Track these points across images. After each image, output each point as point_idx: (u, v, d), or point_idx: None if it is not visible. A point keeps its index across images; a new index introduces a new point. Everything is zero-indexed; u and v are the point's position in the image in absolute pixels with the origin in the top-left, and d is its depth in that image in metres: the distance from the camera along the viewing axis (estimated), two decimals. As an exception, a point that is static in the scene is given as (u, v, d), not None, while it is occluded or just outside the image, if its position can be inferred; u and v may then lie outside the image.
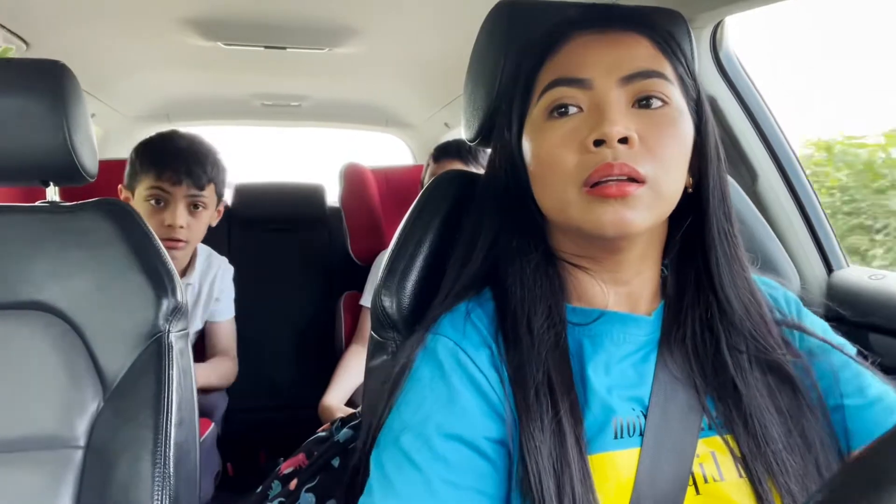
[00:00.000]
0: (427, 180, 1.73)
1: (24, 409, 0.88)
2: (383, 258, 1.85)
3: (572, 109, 0.60)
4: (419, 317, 0.69)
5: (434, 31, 1.60)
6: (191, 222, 1.51)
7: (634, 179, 0.57)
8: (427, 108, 2.40)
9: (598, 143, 0.57)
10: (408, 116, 2.60)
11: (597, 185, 0.57)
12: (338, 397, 1.63)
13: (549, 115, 0.61)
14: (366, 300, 1.80)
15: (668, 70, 0.61)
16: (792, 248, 1.17)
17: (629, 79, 0.59)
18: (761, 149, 1.20)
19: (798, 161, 1.22)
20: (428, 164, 1.76)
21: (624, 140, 0.56)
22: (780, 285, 0.73)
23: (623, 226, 0.57)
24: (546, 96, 0.61)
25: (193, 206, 1.51)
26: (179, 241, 1.49)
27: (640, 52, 0.61)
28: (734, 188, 0.95)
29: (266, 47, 1.70)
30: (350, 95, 2.37)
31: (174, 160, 1.47)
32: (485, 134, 0.79)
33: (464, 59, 0.83)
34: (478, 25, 0.80)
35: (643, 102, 0.59)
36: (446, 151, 1.71)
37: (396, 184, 2.14)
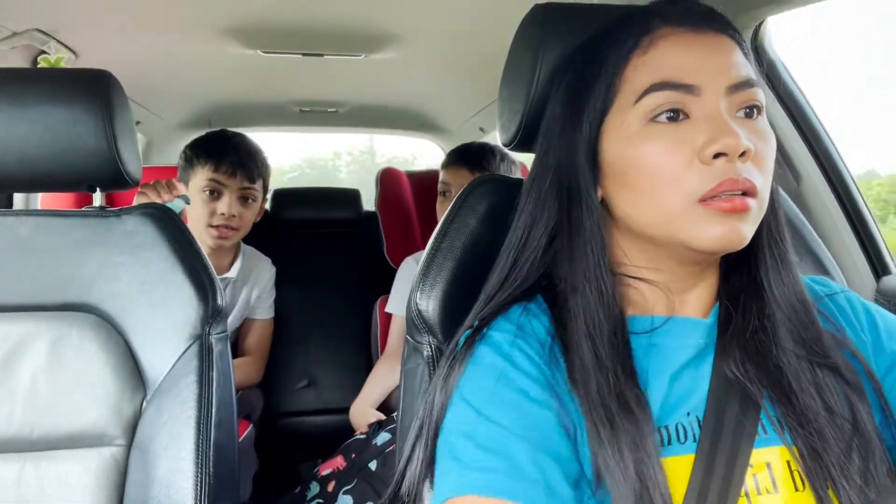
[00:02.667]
0: (439, 189, 1.74)
1: (72, 408, 0.90)
2: (407, 265, 1.86)
3: (682, 116, 0.57)
4: (453, 321, 0.69)
5: (469, 36, 1.60)
6: (242, 212, 1.63)
7: (748, 193, 0.55)
8: (462, 113, 2.41)
9: (717, 155, 0.55)
10: (443, 121, 2.61)
11: (713, 199, 0.55)
12: (368, 402, 1.64)
13: (651, 119, 0.58)
14: (391, 307, 1.80)
15: (756, 77, 0.60)
16: (838, 252, 1.14)
17: (736, 87, 0.57)
18: (805, 151, 1.17)
19: (844, 163, 1.18)
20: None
21: (742, 153, 0.55)
22: (838, 285, 0.71)
23: (736, 241, 0.56)
24: (648, 99, 0.57)
25: (244, 199, 1.64)
26: (231, 228, 1.60)
27: (739, 59, 0.59)
28: (779, 191, 0.93)
29: (304, 54, 1.73)
30: (386, 101, 2.39)
31: (230, 154, 1.61)
32: (521, 138, 0.78)
33: (499, 64, 0.83)
34: (513, 29, 0.80)
35: (748, 112, 0.58)
36: (453, 158, 1.71)
37: (432, 188, 2.15)
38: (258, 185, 1.67)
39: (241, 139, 1.69)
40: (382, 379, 1.68)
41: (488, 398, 0.56)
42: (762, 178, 0.56)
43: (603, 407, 0.55)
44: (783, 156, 1.19)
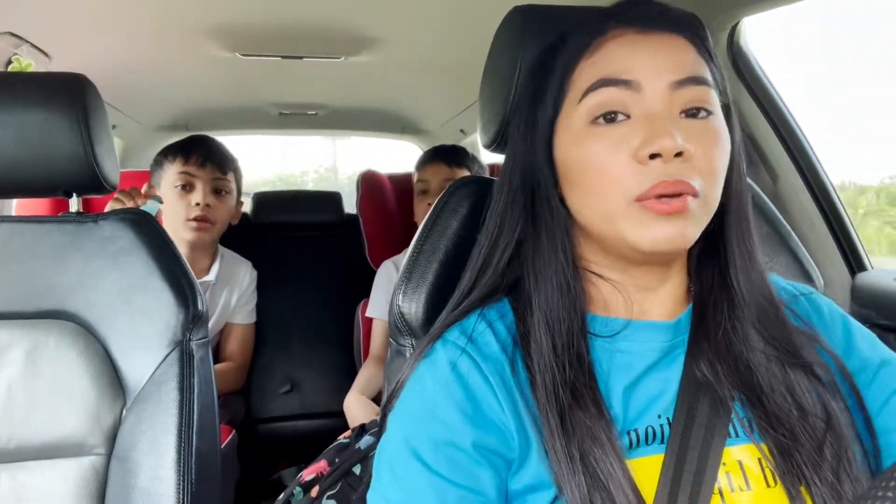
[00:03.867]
0: (416, 189, 1.77)
1: (50, 417, 0.89)
2: (385, 269, 1.86)
3: (620, 116, 0.57)
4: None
5: (449, 38, 1.60)
6: (215, 204, 1.64)
7: (686, 194, 0.55)
8: (443, 115, 2.41)
9: (654, 156, 0.55)
10: (424, 123, 2.61)
11: (649, 200, 0.55)
12: (363, 392, 1.63)
13: (593, 120, 0.58)
14: (371, 311, 1.79)
15: (709, 76, 0.60)
16: (814, 249, 1.16)
17: (679, 84, 0.57)
18: (782, 151, 1.19)
19: (819, 162, 1.20)
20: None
21: (677, 153, 0.55)
22: (825, 297, 0.71)
23: (678, 241, 0.56)
24: (589, 99, 0.58)
25: (217, 191, 1.66)
26: (206, 219, 1.61)
27: (687, 56, 0.59)
28: (755, 190, 0.94)
29: (283, 57, 1.72)
30: (366, 103, 2.38)
31: (198, 147, 1.64)
32: (501, 140, 0.79)
33: (479, 66, 0.83)
34: (493, 31, 0.80)
35: (692, 112, 0.58)
36: (430, 155, 1.75)
37: (413, 190, 2.15)
38: (230, 178, 1.69)
39: (209, 138, 1.73)
40: (371, 379, 1.67)
41: (416, 430, 0.58)
42: (704, 180, 0.56)
43: (556, 398, 0.56)
44: (760, 155, 1.20)
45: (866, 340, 0.66)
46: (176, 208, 1.60)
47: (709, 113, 0.59)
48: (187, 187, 1.61)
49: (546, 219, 0.63)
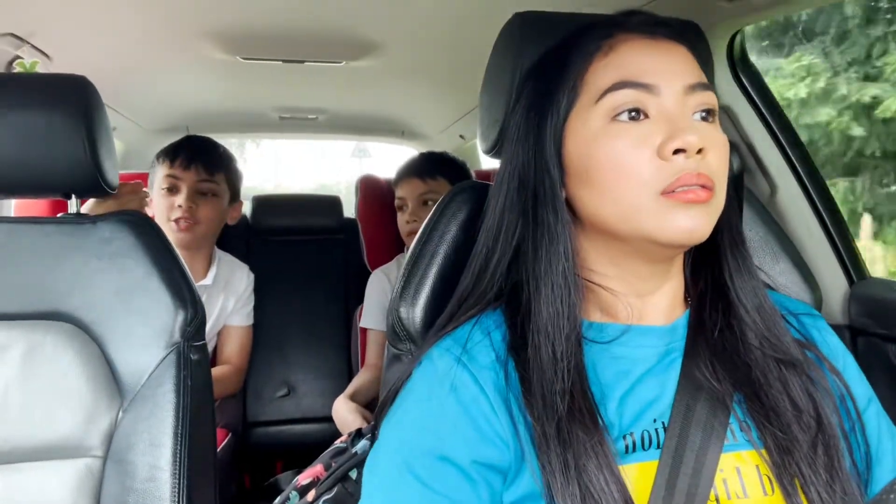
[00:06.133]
0: (396, 204, 1.75)
1: (46, 418, 0.89)
2: (377, 278, 1.85)
3: (642, 115, 0.59)
4: (434, 328, 0.69)
5: (449, 44, 1.61)
6: (201, 206, 1.64)
7: (705, 187, 0.57)
8: (443, 121, 2.41)
9: (677, 152, 0.57)
10: (424, 129, 2.61)
11: (674, 192, 0.56)
12: (349, 397, 1.62)
13: (613, 118, 0.59)
14: (365, 322, 1.77)
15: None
16: (812, 257, 1.16)
17: (692, 89, 0.59)
18: (780, 159, 1.19)
19: (817, 171, 1.20)
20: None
21: (698, 150, 0.57)
22: (819, 316, 0.73)
23: (697, 232, 0.57)
24: (609, 98, 0.59)
25: (202, 193, 1.65)
26: (188, 220, 1.61)
27: (692, 64, 0.62)
28: (752, 198, 0.94)
29: (284, 61, 1.72)
30: (367, 108, 2.38)
31: (185, 149, 1.65)
32: (501, 145, 0.79)
33: (479, 72, 0.83)
34: (493, 37, 0.80)
35: (703, 115, 0.60)
36: (405, 171, 1.73)
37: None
38: (218, 179, 1.68)
39: (203, 139, 1.73)
40: (363, 385, 1.66)
41: (409, 441, 0.59)
42: (716, 179, 0.58)
43: (553, 407, 0.56)
44: (758, 163, 1.21)
45: (860, 375, 0.69)
46: (161, 210, 1.62)
47: (713, 117, 0.61)
48: (173, 189, 1.63)
49: (549, 222, 0.62)
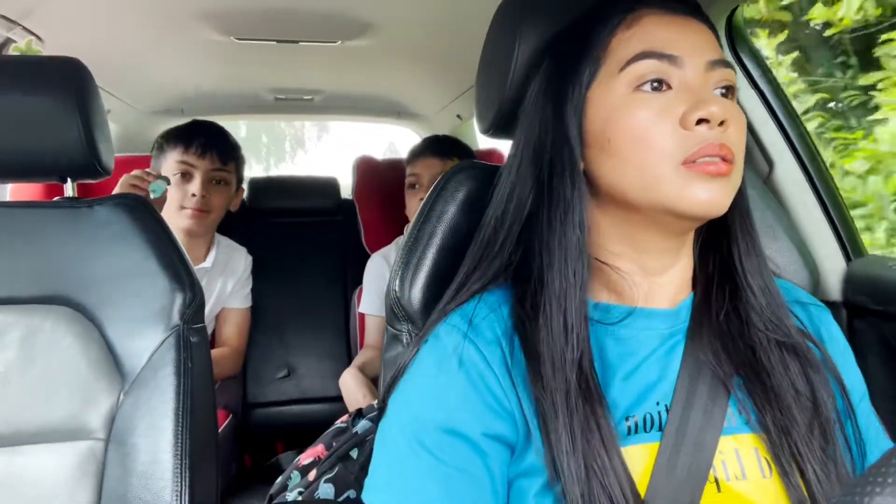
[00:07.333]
0: (407, 182, 1.74)
1: (46, 401, 0.89)
2: (374, 262, 1.85)
3: (664, 86, 0.59)
4: (432, 308, 0.69)
5: (445, 23, 1.59)
6: (213, 195, 1.63)
7: (726, 159, 0.57)
8: (439, 100, 2.40)
9: (700, 122, 0.57)
10: (420, 108, 2.60)
11: (696, 163, 0.56)
12: (358, 373, 1.62)
13: (637, 87, 0.59)
14: (364, 307, 1.77)
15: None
16: (809, 235, 1.16)
17: (714, 65, 0.60)
18: (778, 137, 1.19)
19: (815, 149, 1.20)
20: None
21: (719, 123, 0.57)
22: (825, 309, 0.73)
23: (718, 204, 0.57)
24: (632, 69, 0.59)
25: (216, 182, 1.64)
26: (202, 210, 1.60)
27: (713, 41, 0.62)
28: (750, 175, 0.94)
29: (278, 41, 1.71)
30: (362, 88, 2.37)
31: (199, 136, 1.62)
32: (499, 124, 0.78)
33: (476, 50, 0.82)
34: (490, 15, 0.80)
35: (723, 91, 0.60)
36: (424, 148, 1.72)
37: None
38: (230, 168, 1.68)
39: (212, 124, 1.71)
40: (370, 360, 1.67)
41: (418, 415, 0.59)
42: (736, 153, 0.58)
43: (564, 378, 0.57)
44: (756, 141, 1.20)
45: (856, 370, 0.69)
46: (173, 195, 1.60)
47: (732, 94, 0.61)
48: (186, 176, 1.61)
49: (565, 192, 0.62)
